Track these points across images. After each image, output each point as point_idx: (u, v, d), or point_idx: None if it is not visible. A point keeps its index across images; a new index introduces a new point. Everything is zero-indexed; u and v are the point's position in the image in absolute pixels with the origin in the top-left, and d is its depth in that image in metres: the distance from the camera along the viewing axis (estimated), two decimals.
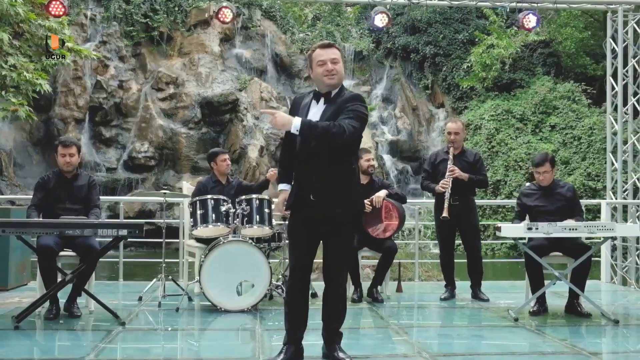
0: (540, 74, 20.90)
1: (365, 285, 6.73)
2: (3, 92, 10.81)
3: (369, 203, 6.28)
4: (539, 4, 8.95)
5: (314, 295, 6.38)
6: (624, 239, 9.05)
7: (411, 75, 23.56)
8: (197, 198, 6.24)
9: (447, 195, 6.55)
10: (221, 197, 6.21)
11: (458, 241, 7.02)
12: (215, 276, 5.82)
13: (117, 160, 19.24)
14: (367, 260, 7.92)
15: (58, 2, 7.79)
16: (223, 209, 6.10)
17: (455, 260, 6.97)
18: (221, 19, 8.58)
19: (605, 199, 10.56)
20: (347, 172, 4.05)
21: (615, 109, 9.54)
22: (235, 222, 6.05)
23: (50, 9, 7.86)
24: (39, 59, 12.40)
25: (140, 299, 6.42)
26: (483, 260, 7.02)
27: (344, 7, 24.45)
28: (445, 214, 6.51)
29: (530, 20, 8.66)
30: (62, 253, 5.58)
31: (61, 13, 8.01)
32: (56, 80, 18.65)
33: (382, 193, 6.42)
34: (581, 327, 5.55)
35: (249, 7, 22.68)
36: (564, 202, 6.00)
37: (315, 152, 3.96)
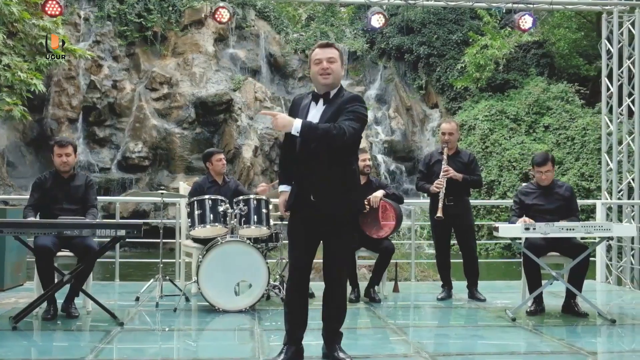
0: (534, 74, 20.99)
1: (362, 285, 6.74)
2: None
3: (366, 203, 6.29)
4: (534, 5, 8.98)
5: (312, 295, 6.38)
6: (619, 239, 9.09)
7: (405, 75, 23.60)
8: (194, 198, 6.23)
9: (441, 195, 6.57)
10: (219, 197, 6.21)
11: (453, 241, 7.04)
12: (213, 276, 5.81)
13: (110, 160, 19.19)
14: (363, 261, 7.94)
15: (54, 2, 7.75)
16: (221, 209, 6.10)
17: (451, 260, 7.00)
18: (218, 19, 8.57)
19: (598, 199, 10.62)
20: (347, 172, 4.05)
21: (610, 110, 9.58)
22: (232, 222, 6.05)
23: (46, 8, 7.82)
24: (33, 58, 12.38)
25: (137, 299, 6.41)
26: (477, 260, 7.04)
27: (337, 8, 24.47)
28: (439, 213, 6.52)
29: (526, 21, 8.68)
30: (59, 253, 5.56)
31: (57, 13, 7.98)
32: (50, 80, 18.58)
33: (379, 193, 6.43)
34: (578, 326, 5.57)
35: (243, 7, 22.67)
36: (562, 201, 6.02)
37: (316, 153, 3.96)
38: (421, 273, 9.87)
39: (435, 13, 22.56)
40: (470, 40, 20.98)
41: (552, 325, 5.58)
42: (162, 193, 6.56)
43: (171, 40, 21.59)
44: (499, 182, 17.96)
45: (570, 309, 5.95)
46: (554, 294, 6.65)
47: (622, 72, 9.43)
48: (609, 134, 9.68)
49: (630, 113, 9.55)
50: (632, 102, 9.42)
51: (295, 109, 4.17)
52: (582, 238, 6.06)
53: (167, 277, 6.54)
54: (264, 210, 6.24)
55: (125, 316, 5.60)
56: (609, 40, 9.55)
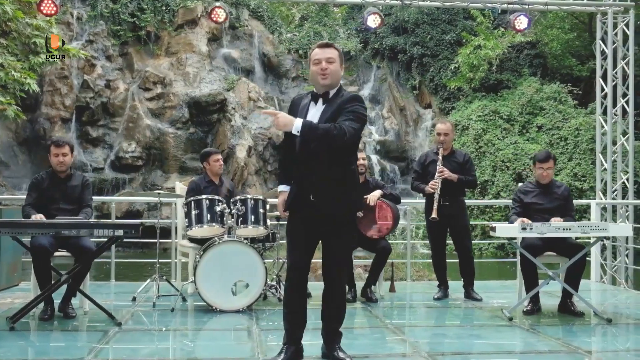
0: (527, 74, 21.08)
1: (359, 285, 6.75)
2: None
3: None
4: (530, 6, 9.01)
5: (308, 295, 6.38)
6: (614, 239, 9.14)
7: (398, 75, 23.64)
8: (191, 198, 6.22)
9: (436, 196, 6.59)
10: (216, 197, 6.20)
11: (449, 241, 7.06)
12: (211, 276, 5.81)
13: (104, 160, 19.11)
14: (359, 260, 7.95)
15: (50, 1, 7.73)
16: (218, 209, 6.09)
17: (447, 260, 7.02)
18: (214, 19, 8.57)
19: (591, 199, 10.67)
20: (347, 172, 4.06)
21: (605, 110, 9.62)
22: (230, 222, 6.04)
23: (42, 7, 7.79)
24: (26, 57, 12.33)
25: (134, 299, 6.39)
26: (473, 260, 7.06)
27: (331, 8, 24.46)
28: (434, 214, 6.54)
29: (522, 22, 8.72)
30: (56, 253, 5.54)
31: (53, 12, 7.95)
32: (42, 80, 18.49)
33: (377, 193, 6.44)
34: (575, 326, 5.60)
35: (237, 6, 22.64)
36: (561, 201, 6.06)
37: (315, 153, 3.96)
38: (416, 273, 9.90)
39: (428, 13, 22.61)
40: (464, 40, 21.03)
41: (548, 325, 5.60)
42: (159, 193, 6.54)
43: (164, 40, 21.54)
44: (493, 182, 18.00)
45: (567, 309, 5.98)
46: (549, 293, 6.68)
47: (616, 73, 9.48)
48: (604, 134, 9.72)
49: (624, 113, 9.60)
50: (627, 102, 9.48)
51: (294, 109, 4.17)
52: (577, 238, 6.09)
53: (164, 277, 6.54)
54: (261, 210, 6.24)
55: (122, 316, 5.58)
56: (604, 40, 9.59)
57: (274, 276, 6.78)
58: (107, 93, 19.57)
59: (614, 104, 9.54)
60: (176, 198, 7.29)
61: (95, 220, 5.64)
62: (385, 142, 21.68)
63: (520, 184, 6.58)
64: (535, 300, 6.04)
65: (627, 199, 9.41)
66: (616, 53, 9.51)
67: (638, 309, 6.73)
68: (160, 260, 6.44)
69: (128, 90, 19.88)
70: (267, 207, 6.36)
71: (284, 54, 23.11)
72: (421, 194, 7.05)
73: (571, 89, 20.14)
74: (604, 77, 9.59)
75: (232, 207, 6.09)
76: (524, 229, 5.48)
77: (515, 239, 5.90)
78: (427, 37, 22.50)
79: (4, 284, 7.01)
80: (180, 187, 7.46)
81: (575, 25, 22.01)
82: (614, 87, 9.51)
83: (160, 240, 6.53)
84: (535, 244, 5.91)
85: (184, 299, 6.33)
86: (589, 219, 9.55)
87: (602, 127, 9.74)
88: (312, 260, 4.23)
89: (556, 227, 5.50)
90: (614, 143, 9.62)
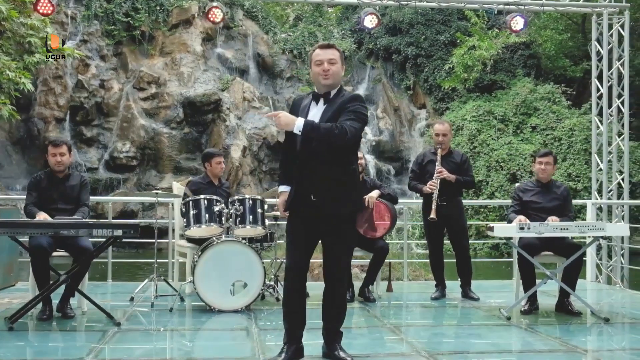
0: (521, 75, 21.15)
1: (356, 285, 6.76)
2: None
3: None
4: (525, 6, 9.05)
5: (307, 295, 6.38)
6: (609, 239, 9.18)
7: (393, 76, 23.67)
8: (189, 198, 6.22)
9: (434, 196, 6.60)
10: (214, 197, 6.20)
11: (446, 241, 7.08)
12: (209, 276, 5.81)
13: (98, 160, 19.06)
14: (356, 260, 7.95)
15: (46, 0, 7.70)
16: (216, 209, 6.09)
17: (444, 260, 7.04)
18: (211, 19, 8.57)
19: (585, 199, 10.72)
20: (348, 172, 4.07)
21: (600, 111, 9.67)
22: (228, 222, 6.04)
23: (38, 7, 7.77)
24: (21, 57, 12.29)
25: (131, 299, 6.38)
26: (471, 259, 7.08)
27: (325, 8, 24.48)
28: (432, 214, 6.56)
29: (518, 22, 8.75)
30: (54, 253, 5.53)
31: (49, 12, 7.93)
32: (37, 79, 18.42)
33: (375, 193, 6.45)
34: (572, 325, 5.63)
35: (231, 6, 22.60)
36: (559, 201, 6.08)
37: (316, 153, 3.97)
38: (413, 273, 9.91)
39: (423, 14, 22.64)
40: (458, 41, 21.07)
41: (546, 324, 5.62)
42: (157, 193, 6.54)
43: (159, 40, 21.48)
44: (487, 183, 18.05)
45: (564, 308, 6.01)
46: (546, 293, 6.70)
47: (611, 74, 9.52)
48: (599, 134, 9.76)
49: (620, 114, 9.65)
50: (622, 103, 9.52)
51: (295, 110, 4.18)
52: (573, 238, 6.12)
53: (162, 277, 6.53)
54: (259, 210, 6.23)
55: (120, 316, 5.57)
56: (599, 41, 9.64)
57: (272, 276, 6.78)
58: (101, 93, 19.51)
59: (609, 105, 9.58)
60: (174, 198, 7.28)
61: (94, 220, 5.61)
62: (379, 142, 21.71)
63: (517, 184, 6.61)
64: (532, 299, 6.06)
65: (623, 199, 9.46)
66: (611, 54, 9.55)
67: (634, 308, 6.77)
68: (157, 260, 6.43)
69: (122, 90, 19.82)
70: (265, 207, 6.36)
71: (278, 54, 23.10)
72: (418, 194, 7.06)
73: (565, 90, 20.20)
74: (599, 78, 9.63)
75: (230, 207, 6.08)
76: (521, 228, 5.49)
77: (512, 238, 5.92)
78: (422, 38, 22.53)
79: (0, 284, 6.98)
80: (178, 187, 7.45)
81: (568, 26, 22.10)
82: (609, 88, 9.56)
83: (157, 240, 6.52)
84: (532, 243, 5.93)
85: (182, 299, 6.32)
86: (584, 219, 9.59)
87: (598, 127, 9.78)
88: (311, 260, 4.24)
89: (554, 227, 5.52)
90: (610, 143, 9.66)
